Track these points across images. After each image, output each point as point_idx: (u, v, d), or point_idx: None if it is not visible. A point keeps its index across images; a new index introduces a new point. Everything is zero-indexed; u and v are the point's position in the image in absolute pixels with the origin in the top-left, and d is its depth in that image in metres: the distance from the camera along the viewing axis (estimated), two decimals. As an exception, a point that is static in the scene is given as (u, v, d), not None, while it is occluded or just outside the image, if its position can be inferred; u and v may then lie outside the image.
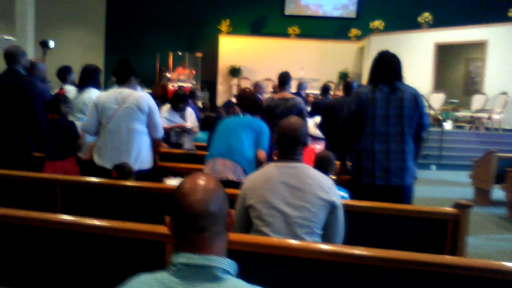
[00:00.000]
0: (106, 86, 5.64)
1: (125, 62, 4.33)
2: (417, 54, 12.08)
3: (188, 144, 5.27)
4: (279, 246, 1.99)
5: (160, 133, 3.83)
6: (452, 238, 2.58)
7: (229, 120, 3.77)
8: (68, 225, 2.25)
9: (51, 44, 9.47)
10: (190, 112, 5.43)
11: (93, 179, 3.20)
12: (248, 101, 3.85)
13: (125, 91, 3.65)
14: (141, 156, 3.68)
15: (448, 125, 10.83)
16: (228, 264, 1.19)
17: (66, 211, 3.16)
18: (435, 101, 11.65)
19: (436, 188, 7.54)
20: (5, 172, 3.34)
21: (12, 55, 4.02)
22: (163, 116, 5.25)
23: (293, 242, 2.02)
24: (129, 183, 3.16)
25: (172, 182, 3.48)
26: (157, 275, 1.20)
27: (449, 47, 12.40)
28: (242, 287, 1.17)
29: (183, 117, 5.33)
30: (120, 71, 3.76)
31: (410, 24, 12.93)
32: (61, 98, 4.02)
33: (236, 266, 1.23)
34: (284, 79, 4.79)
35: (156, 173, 3.83)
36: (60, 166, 3.85)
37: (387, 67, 3.20)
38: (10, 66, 4.00)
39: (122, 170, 3.16)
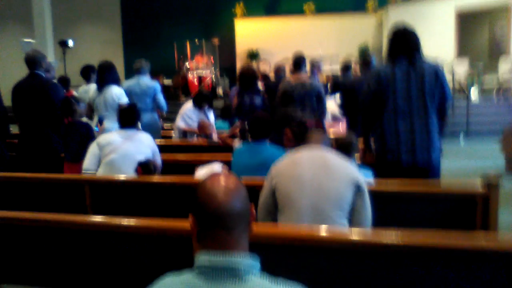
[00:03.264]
0: (127, 78, 5.74)
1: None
2: (437, 23, 11.75)
3: None
4: (308, 236, 1.99)
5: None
6: (482, 215, 2.52)
7: (241, 161, 3.19)
8: (98, 226, 2.30)
9: (70, 43, 9.62)
10: (211, 112, 5.59)
11: (121, 177, 3.26)
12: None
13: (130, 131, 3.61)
14: None
15: (474, 92, 10.54)
16: (251, 263, 1.21)
17: (96, 210, 3.24)
18: (459, 68, 11.33)
19: (464, 160, 7.39)
20: (33, 175, 3.44)
21: (34, 60, 4.10)
22: (184, 114, 5.34)
23: (322, 231, 2.01)
24: (156, 178, 3.21)
25: (204, 170, 3.43)
26: (182, 276, 1.23)
27: (471, 13, 12.00)
28: (266, 286, 1.17)
29: (205, 115, 5.43)
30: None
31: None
32: (72, 100, 4.10)
33: (259, 264, 1.24)
34: (299, 62, 4.72)
35: (185, 166, 3.87)
36: (77, 168, 3.86)
37: (405, 42, 3.11)
38: (32, 70, 4.09)
39: (147, 167, 3.21)
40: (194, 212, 1.26)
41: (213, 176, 1.30)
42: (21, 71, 4.18)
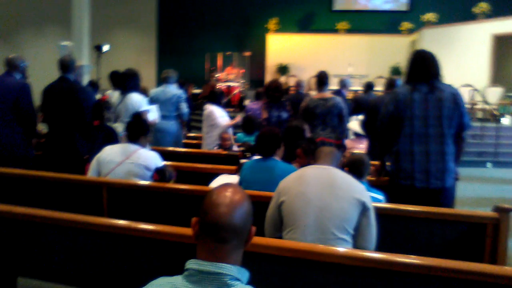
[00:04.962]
0: (159, 85, 5.95)
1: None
2: (472, 47, 11.55)
3: None
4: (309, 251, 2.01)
5: None
6: (492, 243, 2.49)
7: (249, 176, 3.15)
8: (114, 228, 2.36)
9: (105, 48, 9.90)
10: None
11: (138, 183, 3.34)
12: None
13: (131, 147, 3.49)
14: None
15: (506, 121, 10.30)
16: (238, 271, 1.23)
17: (112, 212, 3.33)
18: (492, 95, 11.10)
19: (491, 187, 7.21)
20: (53, 174, 3.56)
21: (66, 64, 4.27)
22: (220, 115, 5.71)
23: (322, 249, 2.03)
24: (171, 185, 3.28)
25: (220, 182, 3.45)
26: (172, 278, 1.27)
27: (508, 38, 11.76)
28: None
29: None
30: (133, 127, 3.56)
31: (465, 15, 12.39)
32: (104, 105, 4.23)
33: (248, 274, 1.27)
34: (322, 79, 4.75)
35: (202, 175, 3.94)
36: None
37: (425, 66, 3.11)
38: (63, 74, 4.25)
39: (163, 173, 3.28)
40: (198, 215, 1.29)
41: (224, 186, 1.31)
42: (57, 73, 4.33)
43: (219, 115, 5.68)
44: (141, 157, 3.42)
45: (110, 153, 3.47)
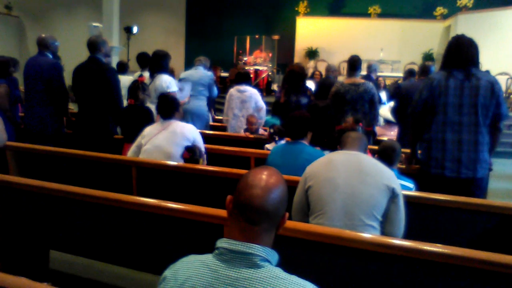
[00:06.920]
0: (187, 69, 6.00)
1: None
2: (510, 33, 11.12)
3: None
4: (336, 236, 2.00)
5: None
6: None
7: (277, 160, 3.11)
8: (144, 207, 2.40)
9: (135, 29, 9.96)
10: None
11: (167, 163, 3.37)
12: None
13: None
14: None
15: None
16: (267, 253, 1.23)
17: (141, 191, 3.38)
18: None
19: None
20: (83, 152, 3.64)
21: (94, 44, 4.30)
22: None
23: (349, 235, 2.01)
24: (201, 167, 3.29)
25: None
26: (203, 256, 1.28)
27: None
28: (279, 275, 1.20)
29: None
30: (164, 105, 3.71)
31: (503, 0, 11.93)
32: (140, 85, 4.25)
33: (277, 256, 1.27)
34: (354, 64, 4.64)
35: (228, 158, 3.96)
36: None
37: (463, 52, 3.01)
38: (92, 54, 4.30)
39: (193, 152, 3.30)
40: (234, 193, 1.29)
41: (262, 168, 1.31)
42: (87, 54, 4.38)
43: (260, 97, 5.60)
44: (178, 126, 3.58)
45: (150, 127, 3.65)
